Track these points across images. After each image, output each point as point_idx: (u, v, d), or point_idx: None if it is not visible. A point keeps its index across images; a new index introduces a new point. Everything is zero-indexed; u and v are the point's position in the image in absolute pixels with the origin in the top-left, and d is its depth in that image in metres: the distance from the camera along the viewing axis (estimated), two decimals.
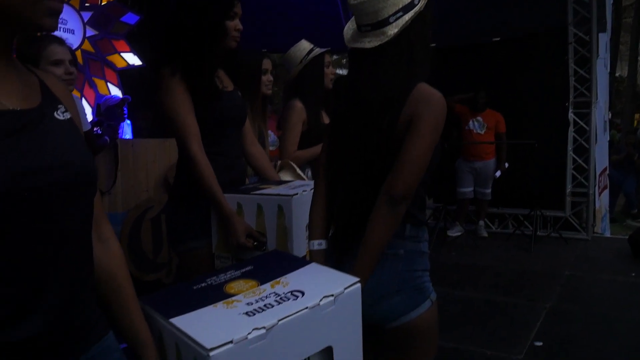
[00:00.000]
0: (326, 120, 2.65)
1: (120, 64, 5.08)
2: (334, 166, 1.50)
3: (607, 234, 6.09)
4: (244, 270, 1.24)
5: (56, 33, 1.51)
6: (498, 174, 5.78)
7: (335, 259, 1.43)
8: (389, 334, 1.38)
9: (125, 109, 4.15)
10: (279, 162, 2.58)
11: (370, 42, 1.34)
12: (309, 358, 1.08)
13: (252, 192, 1.86)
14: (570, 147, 5.84)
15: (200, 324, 0.98)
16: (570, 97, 5.76)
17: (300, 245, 1.78)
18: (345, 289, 1.09)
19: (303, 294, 1.07)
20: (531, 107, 5.83)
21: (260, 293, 1.10)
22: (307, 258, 1.61)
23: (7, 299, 0.87)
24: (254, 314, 1.00)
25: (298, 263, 1.27)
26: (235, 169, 2.02)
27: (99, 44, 4.90)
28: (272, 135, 3.27)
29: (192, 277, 1.25)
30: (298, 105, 2.63)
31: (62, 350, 0.96)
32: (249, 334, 0.94)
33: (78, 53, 4.51)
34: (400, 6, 1.31)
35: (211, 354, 0.90)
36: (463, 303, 3.87)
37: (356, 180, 1.43)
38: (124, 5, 5.09)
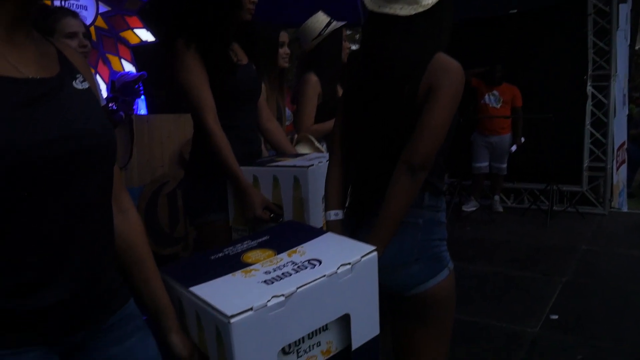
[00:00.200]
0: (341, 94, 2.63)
1: (133, 40, 5.07)
2: (350, 137, 1.49)
3: (625, 209, 6.02)
4: (260, 240, 1.25)
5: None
6: (514, 148, 5.72)
7: (352, 228, 1.43)
8: (408, 302, 1.39)
9: (141, 85, 4.15)
10: (296, 135, 2.57)
11: (402, 10, 1.32)
12: (326, 325, 1.09)
13: (267, 165, 1.86)
14: (588, 121, 5.75)
15: (220, 293, 1.00)
16: (589, 69, 5.65)
17: (317, 216, 1.78)
18: (362, 257, 1.10)
19: (320, 262, 1.08)
20: (548, 81, 5.73)
21: (277, 262, 1.10)
22: (324, 229, 1.61)
23: (30, 267, 0.88)
24: (273, 282, 1.01)
25: (314, 232, 1.27)
26: (250, 143, 2.02)
27: (111, 20, 4.88)
28: (286, 111, 3.26)
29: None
30: (313, 78, 2.60)
31: (85, 318, 0.98)
32: (268, 301, 0.95)
33: (91, 30, 4.50)
34: None
35: (232, 321, 0.91)
36: (478, 277, 3.88)
37: (374, 149, 1.42)
38: None
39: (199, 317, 1.03)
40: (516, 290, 3.66)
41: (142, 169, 3.71)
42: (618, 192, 6.02)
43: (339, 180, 1.51)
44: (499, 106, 5.65)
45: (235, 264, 1.12)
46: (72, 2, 4.24)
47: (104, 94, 4.13)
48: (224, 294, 0.99)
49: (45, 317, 0.90)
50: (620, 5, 5.56)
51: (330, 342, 1.11)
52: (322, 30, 2.65)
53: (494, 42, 5.90)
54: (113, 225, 1.06)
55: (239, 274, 1.07)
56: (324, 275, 1.03)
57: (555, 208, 5.58)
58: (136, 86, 3.68)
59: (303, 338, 1.05)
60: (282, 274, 1.04)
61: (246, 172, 1.84)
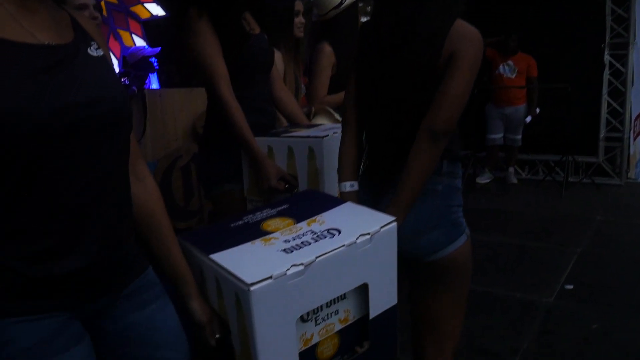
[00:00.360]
0: None
1: (144, 15, 5.05)
2: (364, 106, 1.48)
3: None
4: (279, 208, 1.25)
5: None
6: (529, 119, 5.64)
7: (372, 196, 1.43)
8: (427, 268, 1.39)
9: (154, 60, 4.14)
10: (313, 107, 2.54)
11: None
12: (344, 294, 1.10)
13: (282, 135, 1.85)
14: (605, 90, 5.65)
15: (240, 260, 1.01)
16: (607, 37, 5.53)
17: (332, 187, 1.78)
18: (382, 227, 1.10)
19: (339, 232, 1.08)
20: (565, 50, 5.62)
21: (297, 231, 1.11)
22: None
23: (51, 234, 0.89)
24: (292, 251, 1.01)
25: (333, 202, 1.27)
26: (264, 113, 2.01)
27: None
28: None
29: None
30: (327, 48, 2.56)
31: (105, 284, 1.00)
32: (287, 270, 0.95)
33: (102, 5, 4.48)
34: None
35: (251, 288, 0.92)
36: (492, 249, 3.88)
37: (392, 118, 1.41)
38: None
39: (219, 284, 1.04)
40: (531, 261, 3.66)
41: (155, 144, 3.73)
42: (635, 163, 5.95)
43: (354, 151, 1.50)
44: (513, 76, 5.56)
45: (255, 232, 1.13)
46: None
47: (116, 69, 4.14)
48: (244, 261, 1.00)
49: (66, 284, 0.92)
50: None
51: (348, 310, 1.12)
52: (343, 0, 2.59)
53: (509, 10, 5.76)
54: (130, 193, 1.06)
55: (258, 242, 1.07)
56: (343, 245, 1.03)
57: (570, 179, 5.53)
58: (151, 60, 3.68)
59: (321, 306, 1.06)
60: (302, 242, 1.05)
61: (261, 143, 1.84)
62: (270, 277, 0.93)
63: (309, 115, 2.49)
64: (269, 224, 1.16)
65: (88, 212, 0.93)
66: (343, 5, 2.57)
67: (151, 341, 1.06)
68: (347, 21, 2.60)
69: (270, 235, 1.10)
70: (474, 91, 2.11)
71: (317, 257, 0.99)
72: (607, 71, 5.60)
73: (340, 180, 1.49)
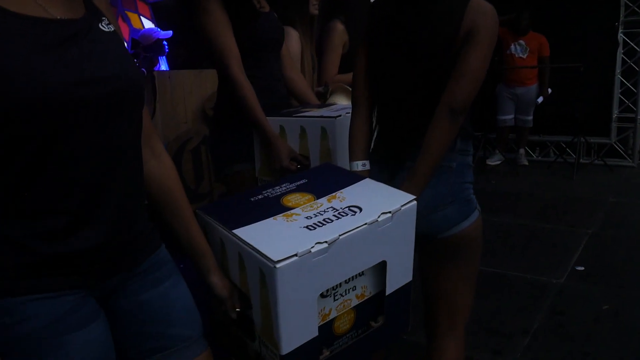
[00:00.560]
0: None
1: None
2: (377, 83, 1.47)
3: None
4: (298, 183, 1.26)
5: None
6: (540, 99, 5.58)
7: (384, 173, 1.43)
8: (440, 244, 1.40)
9: (165, 43, 4.13)
10: (330, 86, 2.51)
11: None
12: (362, 271, 1.11)
13: (294, 115, 1.85)
14: (618, 69, 5.57)
15: (264, 236, 1.01)
16: (621, 15, 5.43)
17: (344, 167, 1.77)
18: (402, 206, 1.11)
19: (360, 209, 1.09)
20: (577, 28, 5.52)
21: (317, 207, 1.12)
22: None
23: (66, 211, 0.90)
24: (315, 228, 1.02)
25: (351, 177, 1.28)
26: (276, 93, 2.00)
27: None
28: None
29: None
30: (339, 26, 2.53)
31: (120, 262, 1.01)
32: (312, 247, 0.96)
33: None
34: None
35: (277, 266, 0.93)
36: (503, 230, 3.87)
37: (406, 96, 1.40)
38: None
39: (242, 259, 1.05)
40: (541, 242, 3.65)
41: (165, 126, 3.73)
42: None
43: (365, 130, 1.49)
44: (525, 56, 5.49)
45: (276, 207, 1.13)
46: None
47: None
48: (268, 238, 1.01)
49: (81, 262, 0.93)
50: None
51: (365, 286, 1.14)
52: None
53: None
54: (143, 170, 1.06)
55: (280, 218, 1.08)
56: (365, 224, 1.04)
57: (582, 160, 5.49)
58: (160, 43, 3.67)
59: (340, 283, 1.07)
60: (324, 219, 1.06)
61: (273, 123, 1.83)
62: (296, 255, 0.94)
63: (325, 94, 2.46)
64: (289, 199, 1.17)
65: (102, 189, 0.93)
66: None
67: (165, 318, 1.07)
68: None
69: (292, 211, 1.10)
70: None
71: (340, 235, 1.00)
72: (620, 50, 5.52)
73: (352, 159, 1.48)
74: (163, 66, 4.43)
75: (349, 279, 1.09)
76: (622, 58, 5.56)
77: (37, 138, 0.84)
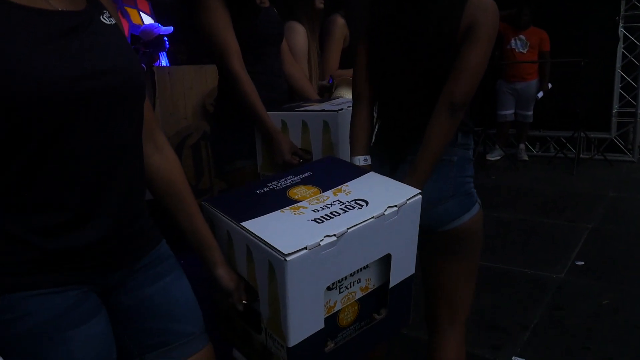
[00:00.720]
0: None
1: None
2: (378, 77, 1.47)
3: None
4: (303, 176, 1.26)
5: None
6: (540, 95, 5.57)
7: (385, 167, 1.44)
8: (441, 237, 1.41)
9: (166, 38, 4.12)
10: (335, 79, 2.49)
11: None
12: (367, 265, 1.12)
13: (296, 110, 1.84)
14: (618, 64, 5.56)
15: (273, 229, 1.02)
16: (621, 9, 5.41)
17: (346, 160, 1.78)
18: (408, 200, 1.12)
19: (367, 203, 1.10)
20: (578, 23, 5.51)
21: (324, 200, 1.12)
22: None
23: (66, 207, 0.90)
24: (322, 221, 1.03)
25: (356, 170, 1.29)
26: (276, 88, 2.00)
27: None
28: None
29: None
30: (340, 20, 2.52)
31: (120, 257, 1.01)
32: (321, 240, 0.97)
33: None
34: None
35: (288, 259, 0.93)
36: (503, 225, 3.87)
37: (407, 88, 1.41)
38: None
39: (250, 251, 1.05)
40: (541, 237, 3.65)
41: (165, 122, 3.73)
42: None
43: (366, 125, 1.49)
44: (525, 51, 5.48)
45: (282, 199, 1.14)
46: None
47: None
48: (277, 231, 1.01)
49: (82, 257, 0.93)
50: None
51: (369, 279, 1.15)
52: None
53: None
54: (144, 165, 1.06)
55: (287, 211, 1.09)
56: (372, 217, 1.05)
57: (582, 155, 5.48)
58: (161, 39, 3.66)
59: (346, 275, 1.08)
60: (331, 213, 1.06)
61: (274, 117, 1.83)
62: (305, 248, 0.95)
63: (330, 88, 2.44)
64: (295, 192, 1.17)
65: (103, 185, 0.93)
66: None
67: (166, 314, 1.07)
68: None
69: (299, 204, 1.11)
70: None
71: (348, 229, 1.01)
72: (620, 44, 5.50)
73: (353, 154, 1.48)
74: (163, 62, 4.43)
75: (355, 272, 1.10)
76: (623, 52, 5.55)
77: (38, 133, 0.84)
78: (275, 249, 0.95)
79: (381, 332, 1.22)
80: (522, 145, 5.93)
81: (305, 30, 2.30)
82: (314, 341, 1.04)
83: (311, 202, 1.12)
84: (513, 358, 2.24)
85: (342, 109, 1.72)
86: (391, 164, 1.44)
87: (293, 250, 0.94)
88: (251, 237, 1.02)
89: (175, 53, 5.08)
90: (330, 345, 1.11)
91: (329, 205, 1.09)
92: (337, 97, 2.18)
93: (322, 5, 2.40)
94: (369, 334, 1.19)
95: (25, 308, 0.88)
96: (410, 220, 1.15)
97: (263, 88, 1.87)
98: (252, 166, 1.94)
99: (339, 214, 1.06)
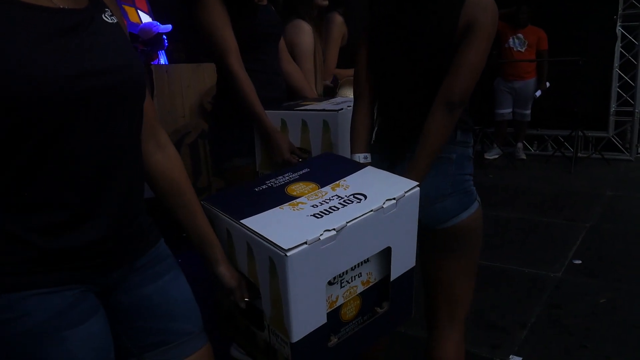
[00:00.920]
0: None
1: None
2: (378, 76, 1.47)
3: None
4: (301, 172, 1.27)
5: None
6: (538, 93, 5.57)
7: (384, 165, 1.44)
8: (440, 235, 1.41)
9: (164, 37, 4.11)
10: (339, 79, 2.48)
11: None
12: (367, 258, 1.12)
13: (296, 108, 1.84)
14: (616, 63, 5.57)
15: (272, 226, 1.02)
16: (619, 9, 5.42)
17: None
18: (406, 192, 1.13)
19: (365, 197, 1.10)
20: (576, 22, 5.51)
21: (322, 195, 1.13)
22: None
23: (65, 206, 0.89)
24: (322, 216, 1.04)
25: (353, 165, 1.29)
26: (275, 86, 2.00)
27: None
28: None
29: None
30: (338, 19, 2.52)
31: (119, 257, 1.00)
32: (321, 235, 0.97)
33: None
34: None
35: (288, 254, 0.94)
36: (500, 223, 3.88)
37: (407, 87, 1.41)
38: None
39: (251, 248, 1.05)
40: (539, 236, 3.66)
41: (163, 120, 3.71)
42: None
43: (366, 123, 1.50)
44: (523, 50, 5.48)
45: (281, 196, 1.14)
46: None
47: None
48: (277, 227, 1.01)
49: (81, 257, 0.93)
50: None
51: (370, 273, 1.15)
52: None
53: None
54: (142, 164, 1.06)
55: (286, 207, 1.09)
56: (371, 210, 1.06)
57: (580, 154, 5.49)
58: (160, 38, 3.65)
59: (346, 270, 1.09)
60: (330, 207, 1.07)
61: (274, 116, 1.83)
62: (305, 243, 0.95)
63: (334, 88, 2.44)
64: (294, 189, 1.17)
65: (103, 185, 0.93)
66: None
67: (165, 313, 1.07)
68: None
69: (297, 200, 1.11)
70: None
71: (347, 222, 1.01)
72: (618, 43, 5.51)
73: (353, 151, 1.49)
74: (162, 60, 4.42)
75: (355, 266, 1.11)
76: (621, 51, 5.56)
77: (38, 132, 0.83)
78: (276, 244, 0.95)
79: (384, 325, 1.23)
80: (520, 144, 5.93)
81: (311, 29, 2.30)
82: (317, 336, 1.05)
83: (310, 197, 1.12)
84: (511, 357, 2.24)
85: (342, 109, 1.72)
86: (390, 162, 1.44)
87: (293, 245, 0.94)
88: (251, 234, 1.02)
89: (173, 51, 5.07)
90: (334, 339, 1.11)
91: (327, 200, 1.10)
92: (332, 97, 2.17)
93: (326, 3, 2.38)
94: (371, 328, 1.20)
95: (24, 308, 0.88)
96: (409, 212, 1.16)
97: (262, 87, 1.87)
98: (251, 164, 1.94)
99: (338, 209, 1.06)
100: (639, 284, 2.83)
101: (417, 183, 1.17)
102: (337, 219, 1.02)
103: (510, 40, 5.49)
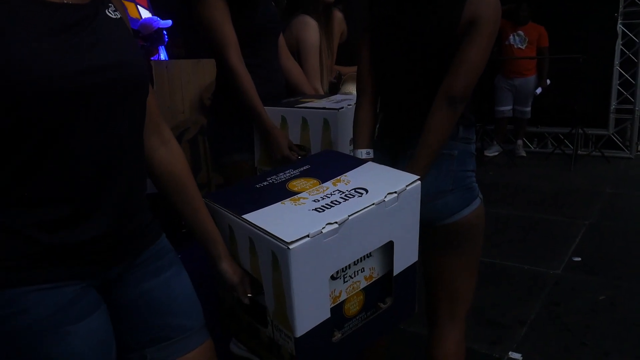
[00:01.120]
0: None
1: None
2: (380, 73, 1.47)
3: None
4: (302, 169, 1.27)
5: None
6: (539, 91, 5.57)
7: (386, 161, 1.44)
8: (441, 231, 1.41)
9: (165, 32, 4.10)
10: (342, 75, 2.47)
11: None
12: (370, 252, 1.13)
13: (296, 106, 1.84)
14: (617, 60, 5.56)
15: (274, 220, 1.02)
16: (620, 6, 5.41)
17: None
18: (407, 186, 1.13)
19: (367, 191, 1.11)
20: (576, 19, 5.50)
21: (324, 190, 1.13)
22: None
23: (67, 201, 0.89)
24: (323, 210, 1.04)
25: (354, 161, 1.30)
26: (274, 82, 1.99)
27: None
28: None
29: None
30: (338, 15, 2.51)
31: (120, 252, 1.00)
32: (323, 228, 0.98)
33: None
34: None
35: (291, 247, 0.94)
36: (500, 221, 3.88)
37: (409, 83, 1.41)
38: None
39: (253, 243, 1.05)
40: (539, 233, 3.66)
41: (162, 116, 3.70)
42: None
43: (369, 119, 1.50)
44: (524, 47, 5.47)
45: (282, 192, 1.15)
46: None
47: None
48: (279, 221, 1.02)
49: (82, 252, 0.93)
50: None
51: (373, 268, 1.16)
52: None
53: None
54: (144, 161, 1.06)
55: (288, 202, 1.09)
56: (373, 204, 1.06)
57: (580, 152, 5.49)
58: (160, 33, 3.64)
59: (349, 264, 1.09)
60: (331, 202, 1.07)
61: (274, 113, 1.82)
62: (308, 236, 0.95)
63: (338, 84, 2.43)
64: (295, 185, 1.18)
65: (105, 180, 0.93)
66: None
67: (166, 309, 1.07)
68: None
69: (299, 196, 1.12)
70: None
71: (349, 216, 1.01)
72: (619, 41, 5.51)
73: (356, 147, 1.49)
74: (162, 55, 4.40)
75: (358, 260, 1.11)
76: (621, 49, 5.55)
77: (39, 129, 0.83)
78: (278, 238, 0.95)
79: (387, 321, 1.23)
80: (520, 142, 5.93)
81: (317, 25, 2.27)
82: (321, 331, 1.05)
83: (311, 192, 1.12)
84: (510, 353, 2.25)
85: (342, 107, 1.72)
86: (392, 158, 1.44)
87: (296, 239, 0.94)
88: (253, 228, 1.02)
89: (173, 47, 5.05)
90: (337, 335, 1.11)
91: (329, 195, 1.10)
92: (346, 93, 2.16)
93: None
94: (375, 323, 1.20)
95: (25, 303, 0.88)
96: (411, 206, 1.16)
97: (262, 82, 1.86)
98: (250, 160, 1.94)
99: (340, 203, 1.06)
100: (639, 281, 2.83)
101: (419, 177, 1.16)
102: (339, 213, 1.02)
103: (511, 37, 5.48)
